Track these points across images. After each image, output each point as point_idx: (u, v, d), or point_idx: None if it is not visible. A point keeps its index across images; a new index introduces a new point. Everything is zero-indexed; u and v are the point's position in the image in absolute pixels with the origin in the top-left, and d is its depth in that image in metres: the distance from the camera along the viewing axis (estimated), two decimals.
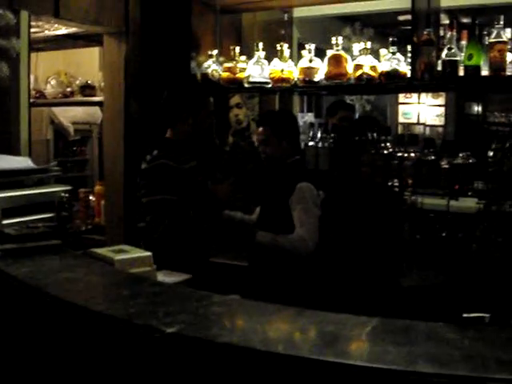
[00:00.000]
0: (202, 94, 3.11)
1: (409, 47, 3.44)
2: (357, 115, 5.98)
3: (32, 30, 3.74)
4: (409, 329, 1.59)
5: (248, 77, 3.84)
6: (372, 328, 1.58)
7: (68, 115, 5.86)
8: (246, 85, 3.87)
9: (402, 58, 3.40)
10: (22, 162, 3.15)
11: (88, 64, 5.84)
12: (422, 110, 8.50)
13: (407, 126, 8.50)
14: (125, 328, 1.66)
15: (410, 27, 3.45)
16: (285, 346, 1.49)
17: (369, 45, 3.54)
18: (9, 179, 2.90)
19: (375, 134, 3.51)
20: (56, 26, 4.55)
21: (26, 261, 2.32)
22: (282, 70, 3.69)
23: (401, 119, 8.57)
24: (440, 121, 8.52)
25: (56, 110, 5.75)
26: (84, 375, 1.85)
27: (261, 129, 3.07)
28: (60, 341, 1.96)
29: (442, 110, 8.48)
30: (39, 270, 2.22)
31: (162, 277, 2.51)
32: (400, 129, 8.39)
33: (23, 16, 3.41)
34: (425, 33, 3.28)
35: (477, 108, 8.51)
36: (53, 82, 5.44)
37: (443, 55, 3.25)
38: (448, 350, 1.45)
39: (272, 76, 3.74)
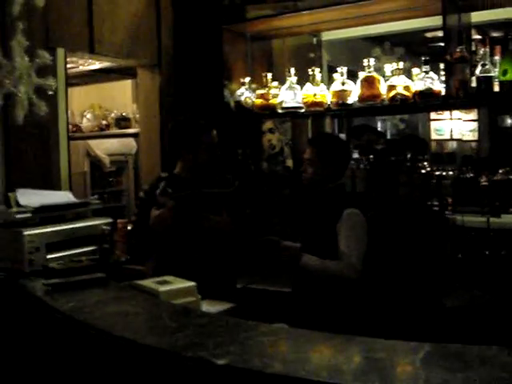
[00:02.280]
0: (201, 128, 3.07)
1: (441, 65, 3.42)
2: (388, 135, 5.96)
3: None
4: (462, 354, 1.56)
5: (281, 102, 3.86)
6: (425, 354, 1.56)
7: (103, 147, 5.95)
8: (280, 110, 3.89)
9: (435, 76, 3.38)
10: (63, 196, 3.21)
11: (121, 96, 5.95)
12: (455, 126, 8.40)
13: (440, 142, 8.41)
14: (175, 361, 1.67)
15: (439, 44, 3.44)
16: (335, 375, 1.47)
17: (401, 65, 3.53)
18: (51, 214, 2.95)
19: (412, 154, 3.49)
20: (90, 61, 4.65)
21: (71, 295, 2.35)
22: (315, 95, 3.69)
23: (433, 136, 8.47)
24: (473, 136, 8.39)
25: (91, 142, 5.84)
26: None
27: (308, 149, 3.05)
28: (109, 376, 1.97)
29: (475, 124, 8.36)
30: (85, 304, 2.24)
31: (206, 306, 2.51)
32: (433, 145, 8.30)
33: (60, 53, 3.50)
34: (457, 50, 3.27)
35: (510, 121, 8.38)
36: (88, 115, 5.56)
37: (477, 72, 3.23)
38: (504, 375, 1.42)
39: (305, 101, 3.75)
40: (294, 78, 3.83)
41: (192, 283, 2.41)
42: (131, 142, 6.15)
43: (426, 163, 3.51)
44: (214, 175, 3.10)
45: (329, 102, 3.71)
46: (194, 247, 3.01)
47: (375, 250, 2.99)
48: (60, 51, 3.49)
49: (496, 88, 3.21)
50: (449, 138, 9.01)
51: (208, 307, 2.52)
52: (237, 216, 3.08)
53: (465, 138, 8.91)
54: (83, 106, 5.95)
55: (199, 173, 3.07)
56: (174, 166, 3.16)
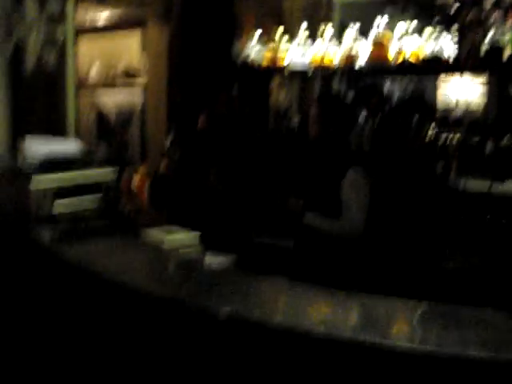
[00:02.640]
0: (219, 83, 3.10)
1: (454, 27, 3.38)
2: (396, 96, 5.90)
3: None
4: (458, 314, 1.61)
5: (289, 62, 3.83)
6: (422, 312, 1.60)
7: (110, 99, 5.92)
8: (288, 69, 3.86)
9: (448, 36, 3.35)
10: (71, 144, 3.22)
11: (129, 48, 5.87)
12: (463, 89, 8.33)
13: (447, 105, 8.35)
14: (179, 310, 1.71)
15: (453, 5, 3.39)
16: (334, 329, 1.51)
17: (412, 25, 3.49)
18: (59, 162, 2.97)
19: (419, 116, 3.49)
20: (99, 11, 4.59)
21: (78, 242, 2.40)
22: (323, 56, 3.66)
23: (441, 98, 8.41)
24: (481, 100, 8.34)
25: (98, 93, 5.81)
26: (137, 356, 1.90)
27: (315, 107, 3.06)
28: (114, 323, 2.02)
29: (484, 89, 8.30)
30: (92, 251, 2.29)
31: (209, 258, 2.55)
32: (440, 108, 8.25)
33: (70, 2, 3.46)
34: (471, 14, 3.23)
35: None
36: (96, 66, 5.51)
37: (489, 37, 3.20)
38: (498, 335, 1.46)
39: (314, 61, 3.73)
40: (303, 36, 3.80)
41: (195, 233, 2.45)
42: (138, 93, 6.12)
43: (432, 125, 3.51)
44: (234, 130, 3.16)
45: (337, 64, 3.68)
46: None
47: (378, 209, 3.02)
48: (70, 0, 3.46)
49: (507, 53, 3.19)
50: (456, 100, 8.93)
51: (211, 258, 2.56)
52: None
53: (472, 102, 8.86)
54: (91, 56, 5.88)
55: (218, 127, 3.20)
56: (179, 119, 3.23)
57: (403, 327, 1.60)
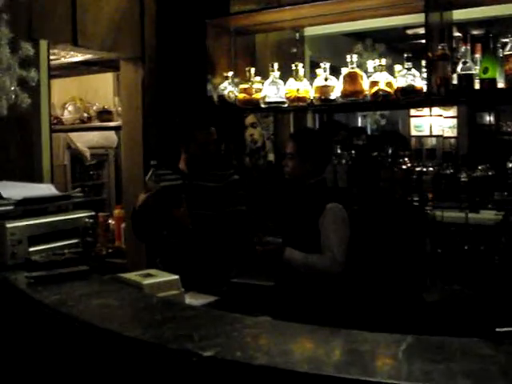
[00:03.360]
0: (195, 126, 3.16)
1: (423, 62, 3.46)
2: (369, 130, 6.00)
3: None
4: (443, 346, 1.60)
5: (264, 97, 3.87)
6: (407, 346, 1.58)
7: (84, 140, 5.91)
8: (263, 105, 3.90)
9: (417, 73, 3.42)
10: (45, 189, 3.18)
11: (103, 89, 5.90)
12: (434, 122, 8.48)
13: (420, 138, 8.48)
14: (161, 353, 1.68)
15: (420, 41, 3.48)
16: (318, 367, 1.49)
17: (383, 61, 3.57)
18: (34, 207, 2.94)
19: (393, 150, 3.53)
20: (72, 53, 4.62)
21: (55, 287, 2.35)
22: (298, 90, 3.72)
23: (413, 132, 8.55)
24: (452, 132, 8.49)
25: (72, 135, 5.80)
26: None
27: (290, 143, 3.08)
28: (95, 368, 1.98)
29: (454, 121, 8.46)
30: (69, 296, 2.24)
31: (189, 299, 2.53)
32: (413, 141, 8.38)
33: (42, 45, 3.48)
34: (439, 48, 3.30)
35: (489, 118, 8.48)
36: (70, 108, 5.52)
37: (458, 69, 3.27)
38: (484, 366, 1.45)
39: (288, 96, 3.77)
40: (276, 73, 3.85)
41: (175, 276, 2.43)
42: (112, 135, 6.12)
43: (406, 159, 3.55)
44: (210, 170, 3.19)
45: (312, 98, 3.73)
46: (176, 237, 3.12)
47: (357, 244, 3.03)
48: (43, 43, 3.47)
49: (477, 85, 3.26)
50: (428, 134, 9.10)
51: (191, 300, 2.54)
52: (222, 211, 3.11)
53: (444, 135, 9.00)
54: (64, 98, 5.89)
55: (195, 167, 3.17)
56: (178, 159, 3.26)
57: (388, 362, 1.58)
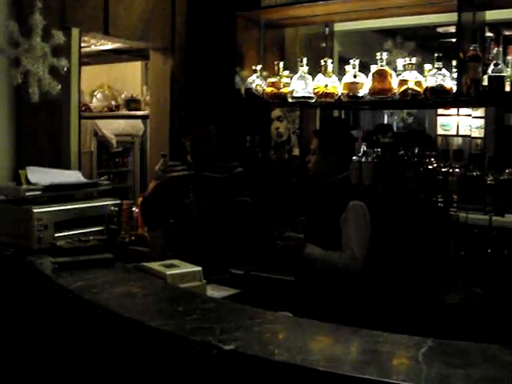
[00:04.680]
0: (195, 122, 3.25)
1: (453, 62, 3.42)
2: (395, 127, 5.96)
3: None
4: (464, 350, 1.59)
5: (292, 92, 3.86)
6: (428, 349, 1.59)
7: (111, 127, 5.97)
8: (290, 100, 3.89)
9: (447, 73, 3.38)
10: (72, 175, 3.23)
11: (131, 78, 5.95)
12: (462, 122, 8.39)
13: (446, 137, 8.40)
14: (182, 344, 1.70)
15: (450, 39, 3.44)
16: (336, 365, 1.50)
17: (413, 60, 3.53)
18: (61, 193, 2.98)
19: (419, 149, 3.51)
20: (102, 41, 4.65)
21: (79, 274, 2.39)
22: (326, 86, 3.70)
23: (439, 131, 8.46)
24: (479, 133, 8.39)
25: (99, 122, 5.86)
26: None
27: (313, 139, 3.08)
28: (116, 355, 2.01)
29: (482, 121, 8.35)
30: (93, 283, 2.27)
31: (211, 291, 2.55)
32: (439, 140, 8.30)
33: (74, 33, 3.50)
34: (471, 48, 3.26)
35: None
36: (98, 95, 5.57)
37: (489, 71, 3.23)
38: (505, 373, 1.45)
39: (316, 91, 3.75)
40: (305, 68, 3.83)
41: (198, 268, 2.45)
42: (139, 123, 6.17)
43: (433, 159, 3.53)
44: (215, 162, 3.25)
45: (340, 94, 3.71)
46: (182, 225, 3.21)
47: (379, 243, 3.02)
48: (75, 31, 3.50)
49: (507, 88, 3.22)
50: (455, 133, 8.99)
51: (213, 292, 2.56)
52: (226, 200, 3.17)
53: (471, 134, 8.87)
54: (92, 85, 5.95)
55: (197, 159, 3.25)
56: (182, 148, 3.37)
57: (407, 364, 1.58)
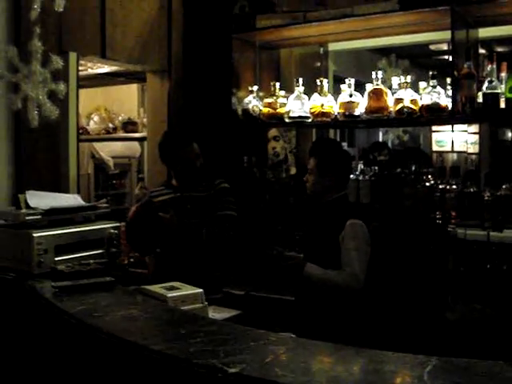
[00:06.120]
0: (177, 144, 3.27)
1: (447, 79, 3.46)
2: (390, 143, 5.98)
3: None
4: (469, 368, 1.59)
5: (288, 112, 3.89)
6: (432, 367, 1.58)
7: (108, 149, 6.00)
8: (287, 120, 3.92)
9: (442, 90, 3.42)
10: (71, 199, 3.24)
11: (128, 100, 5.98)
12: (456, 138, 8.43)
13: (441, 154, 8.43)
14: (186, 367, 1.69)
15: (444, 56, 3.47)
16: None
17: (408, 78, 3.57)
18: (60, 217, 2.98)
19: (416, 166, 3.53)
20: (99, 64, 4.68)
21: (80, 298, 2.38)
22: (322, 105, 3.73)
23: (435, 147, 8.50)
24: (474, 148, 8.42)
25: (96, 144, 5.89)
26: None
27: (310, 159, 3.09)
28: (119, 380, 2.00)
29: (476, 137, 8.39)
30: (94, 307, 2.27)
31: (212, 313, 2.55)
32: (434, 157, 8.33)
33: (72, 57, 3.54)
34: (465, 66, 3.30)
35: (511, 134, 8.41)
36: (95, 118, 5.59)
37: (484, 88, 3.26)
38: None
39: (312, 111, 3.79)
40: (301, 88, 3.87)
41: (199, 290, 2.45)
42: (135, 144, 6.20)
43: (430, 176, 3.55)
44: (200, 181, 3.28)
45: (336, 113, 3.74)
46: (172, 247, 3.23)
47: (378, 261, 3.02)
48: (72, 55, 3.53)
49: (502, 104, 3.25)
50: (450, 149, 9.00)
51: (214, 314, 2.56)
52: (210, 218, 3.18)
53: (465, 150, 8.88)
54: (90, 108, 5.97)
55: (184, 181, 3.28)
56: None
57: (412, 383, 1.58)
